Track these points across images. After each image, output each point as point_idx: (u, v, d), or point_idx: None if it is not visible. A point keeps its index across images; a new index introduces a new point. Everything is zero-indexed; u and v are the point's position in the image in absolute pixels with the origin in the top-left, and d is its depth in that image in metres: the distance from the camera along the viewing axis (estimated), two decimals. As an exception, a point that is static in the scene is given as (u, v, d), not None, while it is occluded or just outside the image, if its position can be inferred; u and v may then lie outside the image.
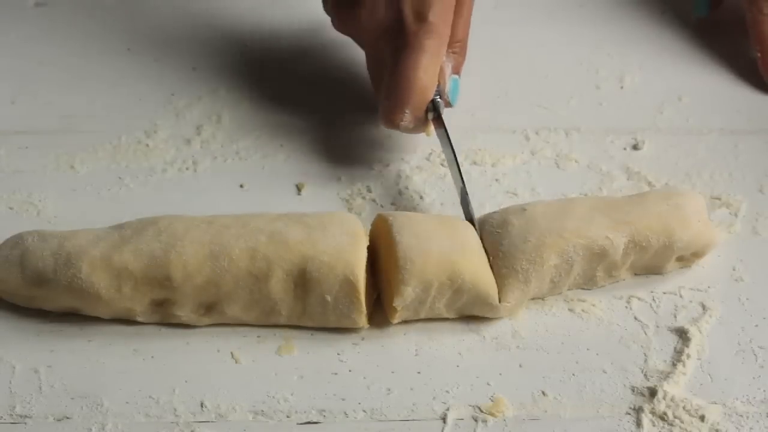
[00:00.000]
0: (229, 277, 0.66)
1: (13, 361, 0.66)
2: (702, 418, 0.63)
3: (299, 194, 0.78)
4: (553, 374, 0.66)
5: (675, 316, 0.69)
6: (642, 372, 0.66)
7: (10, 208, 0.76)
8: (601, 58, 0.89)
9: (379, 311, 0.69)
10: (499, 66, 0.88)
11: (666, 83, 0.87)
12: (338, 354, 0.67)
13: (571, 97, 0.86)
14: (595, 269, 0.69)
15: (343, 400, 0.65)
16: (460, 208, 0.73)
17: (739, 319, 0.69)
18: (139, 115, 0.83)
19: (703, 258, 0.72)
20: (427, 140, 0.78)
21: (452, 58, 0.79)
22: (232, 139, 0.82)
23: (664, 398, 0.64)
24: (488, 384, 0.66)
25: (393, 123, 0.75)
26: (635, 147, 0.81)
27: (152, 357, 0.67)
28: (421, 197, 0.77)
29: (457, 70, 0.80)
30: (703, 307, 0.70)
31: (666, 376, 0.66)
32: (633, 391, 0.65)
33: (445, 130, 0.75)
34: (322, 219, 0.69)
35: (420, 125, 0.76)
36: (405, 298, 0.66)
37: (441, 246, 0.66)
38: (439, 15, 0.75)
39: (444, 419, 0.64)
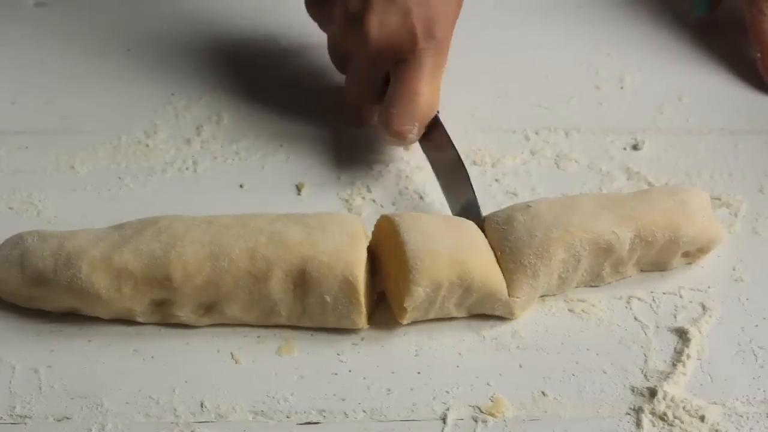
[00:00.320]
0: (229, 278, 0.66)
1: (13, 361, 0.66)
2: (702, 418, 0.63)
3: (299, 194, 0.78)
4: (553, 374, 0.66)
5: (675, 317, 0.69)
6: (642, 372, 0.66)
7: (10, 208, 0.76)
8: (601, 58, 0.89)
9: (379, 311, 0.69)
10: (499, 66, 0.88)
11: (666, 83, 0.87)
12: (338, 354, 0.67)
13: (571, 97, 0.86)
14: (602, 265, 0.69)
15: (343, 400, 0.65)
16: (461, 207, 0.73)
17: (739, 319, 0.69)
18: (139, 115, 0.83)
19: (708, 254, 0.72)
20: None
21: None
22: (232, 139, 0.82)
23: (664, 398, 0.64)
24: (488, 384, 0.66)
25: (401, 137, 0.76)
26: (635, 147, 0.81)
27: (152, 357, 0.67)
28: (421, 197, 0.77)
29: None
30: (703, 307, 0.70)
31: (666, 376, 0.66)
32: (633, 391, 0.65)
33: (447, 137, 0.76)
34: (321, 219, 0.69)
35: (418, 138, 0.77)
36: (416, 299, 0.66)
37: (449, 245, 0.66)
38: (445, 31, 0.76)
39: (444, 419, 0.64)
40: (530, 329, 0.69)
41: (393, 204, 0.77)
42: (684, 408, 0.64)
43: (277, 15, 0.92)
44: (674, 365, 0.66)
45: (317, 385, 0.66)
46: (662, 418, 0.64)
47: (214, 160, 0.80)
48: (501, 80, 0.87)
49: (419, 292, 0.65)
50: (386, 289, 0.69)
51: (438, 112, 0.77)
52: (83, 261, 0.66)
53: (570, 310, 0.70)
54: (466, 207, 0.73)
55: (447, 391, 0.65)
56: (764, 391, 0.65)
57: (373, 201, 0.77)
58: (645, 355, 0.67)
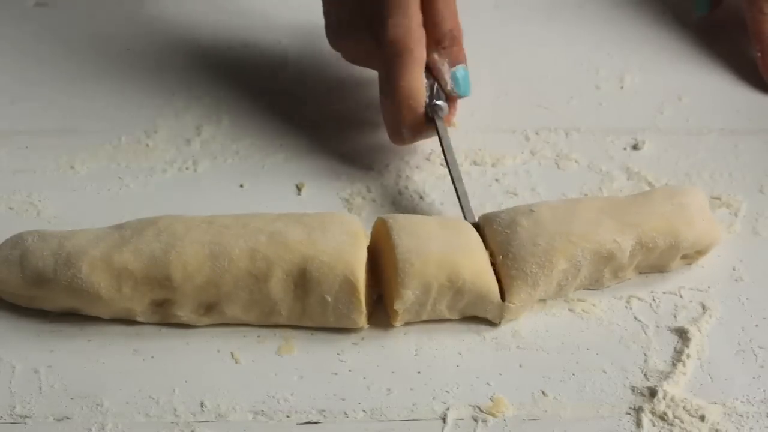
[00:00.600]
0: (229, 277, 0.66)
1: (13, 361, 0.66)
2: (702, 418, 0.63)
3: (299, 194, 0.78)
4: (553, 374, 0.66)
5: (675, 316, 0.69)
6: (642, 372, 0.66)
7: (10, 208, 0.76)
8: (601, 58, 0.89)
9: (379, 311, 0.69)
10: (499, 66, 0.88)
11: (666, 83, 0.87)
12: (338, 354, 0.67)
13: (571, 97, 0.86)
14: (602, 271, 0.69)
15: (343, 400, 0.65)
16: (460, 208, 0.73)
17: (739, 319, 0.69)
18: (139, 115, 0.83)
19: (706, 255, 0.72)
20: (427, 140, 0.78)
21: (446, 52, 0.78)
22: (232, 139, 0.82)
23: (664, 398, 0.64)
24: (488, 384, 0.66)
25: (399, 141, 0.77)
26: (635, 147, 0.81)
27: (152, 357, 0.67)
28: (421, 197, 0.77)
29: (457, 61, 0.78)
30: (703, 307, 0.70)
31: (666, 376, 0.66)
32: (633, 391, 0.65)
33: (444, 132, 0.75)
34: (322, 219, 0.69)
35: (425, 131, 0.76)
36: (405, 301, 0.66)
37: (440, 247, 0.66)
38: (397, 29, 0.75)
39: (444, 419, 0.64)
40: (530, 329, 0.69)
41: (393, 204, 0.77)
42: (684, 408, 0.64)
43: (278, 15, 0.92)
44: (674, 365, 0.66)
45: (317, 385, 0.66)
46: (662, 417, 0.64)
47: (214, 160, 0.80)
48: (501, 80, 0.87)
49: (408, 294, 0.66)
50: (383, 290, 0.69)
51: (439, 106, 0.76)
52: (83, 261, 0.66)
53: (570, 310, 0.70)
54: (463, 206, 0.73)
55: (447, 391, 0.65)
56: (764, 390, 0.65)
57: (373, 201, 0.77)
58: (645, 355, 0.67)
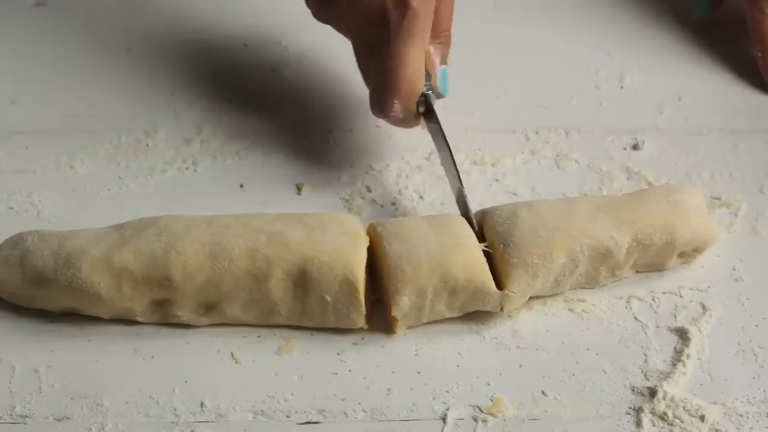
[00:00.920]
0: (229, 277, 0.66)
1: (13, 361, 0.66)
2: (702, 418, 0.63)
3: (299, 194, 0.78)
4: (553, 374, 0.66)
5: (675, 316, 0.69)
6: (642, 372, 0.66)
7: (10, 208, 0.76)
8: (601, 58, 0.89)
9: (380, 311, 0.69)
10: (499, 66, 0.88)
11: (666, 83, 0.87)
12: (338, 354, 0.67)
13: (571, 97, 0.86)
14: (599, 269, 0.69)
15: (343, 400, 0.65)
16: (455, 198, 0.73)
17: (739, 319, 0.69)
18: (139, 115, 0.83)
19: (703, 252, 0.72)
20: (427, 140, 0.78)
21: (439, 48, 0.77)
22: (232, 139, 0.82)
23: (664, 398, 0.64)
24: (488, 384, 0.66)
25: (383, 113, 0.74)
26: (635, 147, 0.81)
27: (152, 357, 0.67)
28: (421, 197, 0.77)
29: (444, 61, 0.78)
30: (703, 307, 0.70)
31: (666, 376, 0.66)
32: (633, 391, 0.65)
33: (439, 125, 0.75)
34: (322, 219, 0.69)
35: (411, 118, 0.75)
36: (402, 307, 0.66)
37: (431, 249, 0.66)
38: (421, 1, 0.74)
39: (444, 419, 0.64)
40: (530, 329, 0.69)
41: (393, 204, 0.77)
42: (684, 408, 0.64)
43: (278, 15, 0.92)
44: (674, 365, 0.66)
45: (317, 385, 0.66)
46: (662, 417, 0.64)
47: (214, 160, 0.80)
48: (501, 80, 0.87)
49: (404, 300, 0.66)
50: (381, 296, 0.69)
51: (430, 95, 0.75)
52: (83, 261, 0.66)
53: (570, 310, 0.70)
54: (457, 197, 0.73)
55: (447, 391, 0.65)
56: (764, 390, 0.65)
57: (373, 201, 0.77)
58: (645, 355, 0.67)
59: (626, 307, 0.70)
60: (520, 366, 0.67)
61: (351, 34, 0.78)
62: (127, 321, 0.68)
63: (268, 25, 0.92)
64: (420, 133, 0.78)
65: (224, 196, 0.77)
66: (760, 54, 0.86)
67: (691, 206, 0.71)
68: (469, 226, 0.69)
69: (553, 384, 0.66)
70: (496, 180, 0.79)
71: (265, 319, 0.68)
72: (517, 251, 0.67)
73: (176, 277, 0.66)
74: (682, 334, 0.68)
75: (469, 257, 0.67)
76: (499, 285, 0.67)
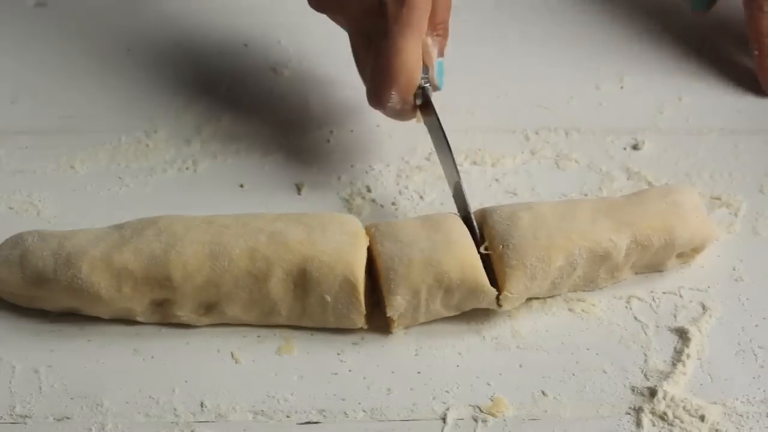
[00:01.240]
0: (229, 277, 0.66)
1: (13, 361, 0.66)
2: (702, 418, 0.63)
3: (299, 194, 0.78)
4: (553, 374, 0.66)
5: (675, 316, 0.69)
6: (642, 372, 0.66)
7: (10, 208, 0.76)
8: (601, 58, 0.89)
9: (380, 311, 0.69)
10: (499, 66, 0.88)
11: (666, 83, 0.87)
12: (338, 354, 0.67)
13: (571, 97, 0.86)
14: (597, 271, 0.69)
15: (343, 400, 0.65)
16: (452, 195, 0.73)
17: (739, 319, 0.69)
18: (139, 115, 0.83)
19: (702, 252, 0.72)
20: (428, 140, 0.78)
21: (436, 40, 0.77)
22: (232, 139, 0.82)
23: (664, 398, 0.64)
24: (488, 384, 0.66)
25: (380, 104, 0.74)
26: (635, 147, 0.81)
27: (152, 357, 0.67)
28: (421, 197, 0.77)
29: (441, 53, 0.77)
30: (703, 307, 0.70)
31: (666, 376, 0.66)
32: (633, 391, 0.65)
33: (436, 118, 0.74)
34: (322, 219, 0.69)
35: (408, 110, 0.75)
36: (396, 307, 0.66)
37: (424, 249, 0.66)
38: None
39: (444, 419, 0.64)
40: (530, 329, 0.69)
41: (393, 204, 0.77)
42: (684, 408, 0.64)
43: (278, 15, 0.92)
44: (674, 365, 0.66)
45: (317, 385, 0.66)
46: (662, 417, 0.64)
47: (214, 160, 0.80)
48: (501, 80, 0.87)
49: (398, 300, 0.66)
50: (380, 298, 0.69)
51: (427, 87, 0.74)
52: (83, 261, 0.66)
53: (570, 310, 0.70)
54: (455, 192, 0.72)
55: (447, 391, 0.65)
56: (764, 390, 0.65)
57: (373, 201, 0.77)
58: (645, 355, 0.67)
59: (626, 307, 0.70)
60: (520, 366, 0.67)
61: (348, 24, 0.77)
62: (127, 321, 0.68)
63: (268, 25, 0.92)
64: (420, 134, 0.78)
65: (224, 196, 0.77)
66: (756, 52, 0.86)
67: (689, 206, 0.71)
68: (463, 225, 0.69)
69: (553, 384, 0.66)
70: (496, 180, 0.79)
71: (265, 319, 0.68)
72: (517, 253, 0.67)
73: (176, 277, 0.66)
74: (682, 334, 0.68)
75: (462, 255, 0.67)
76: (498, 285, 0.67)
